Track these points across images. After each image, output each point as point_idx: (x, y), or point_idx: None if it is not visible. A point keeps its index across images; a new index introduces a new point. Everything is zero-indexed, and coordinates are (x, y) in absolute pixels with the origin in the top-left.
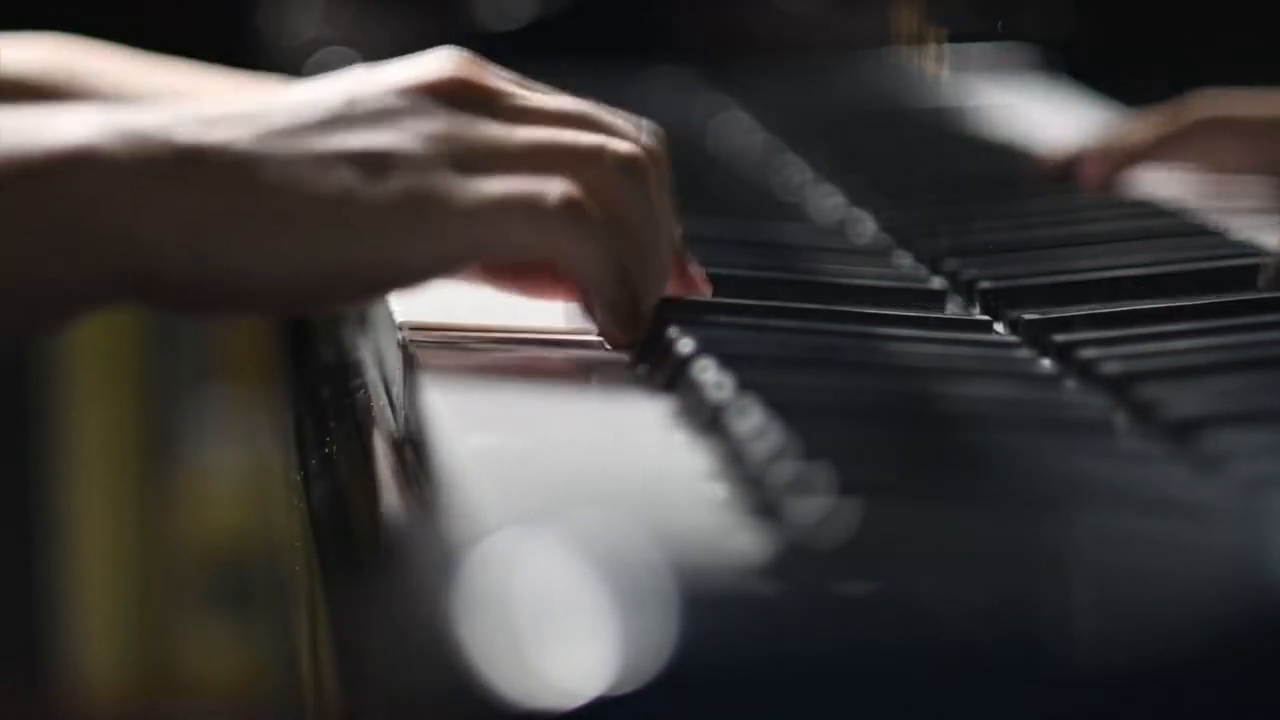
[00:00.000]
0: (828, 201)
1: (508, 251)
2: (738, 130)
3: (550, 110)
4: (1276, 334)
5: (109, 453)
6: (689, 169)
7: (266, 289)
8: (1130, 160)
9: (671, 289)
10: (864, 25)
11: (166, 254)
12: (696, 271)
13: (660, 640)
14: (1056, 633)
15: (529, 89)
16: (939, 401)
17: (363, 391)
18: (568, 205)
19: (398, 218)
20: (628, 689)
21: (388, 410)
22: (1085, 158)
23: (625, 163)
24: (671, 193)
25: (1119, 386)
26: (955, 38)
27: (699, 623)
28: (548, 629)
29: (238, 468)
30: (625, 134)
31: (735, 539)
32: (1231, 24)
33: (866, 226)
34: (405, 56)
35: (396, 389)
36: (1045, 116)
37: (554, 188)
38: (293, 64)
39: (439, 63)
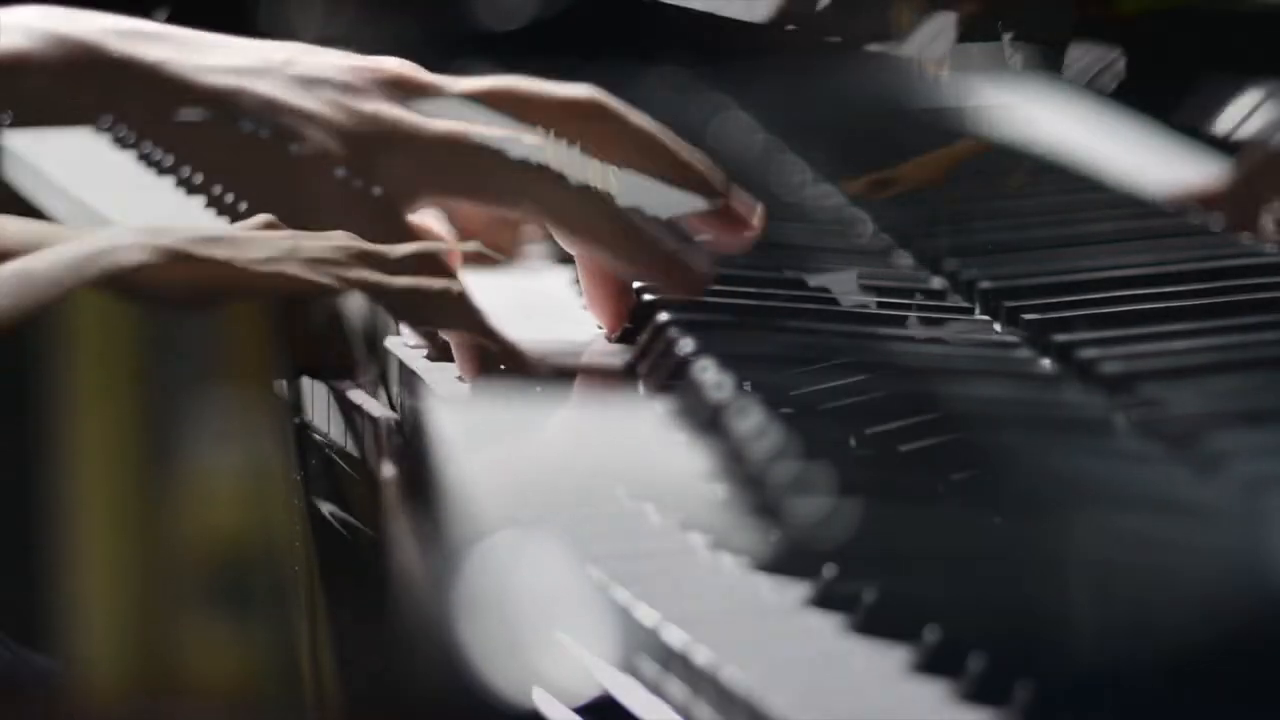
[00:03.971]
0: (828, 201)
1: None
2: (738, 130)
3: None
4: (1276, 334)
5: (109, 453)
6: None
7: None
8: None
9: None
10: (864, 25)
11: None
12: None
13: (660, 640)
14: (1056, 631)
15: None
16: (939, 401)
17: (362, 392)
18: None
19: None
20: (627, 689)
21: (388, 410)
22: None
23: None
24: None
25: (1119, 386)
26: (955, 38)
27: (699, 622)
28: (548, 629)
29: (238, 468)
30: (559, 95)
31: (735, 539)
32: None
33: (866, 226)
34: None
35: (396, 389)
36: (1045, 116)
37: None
38: None
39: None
